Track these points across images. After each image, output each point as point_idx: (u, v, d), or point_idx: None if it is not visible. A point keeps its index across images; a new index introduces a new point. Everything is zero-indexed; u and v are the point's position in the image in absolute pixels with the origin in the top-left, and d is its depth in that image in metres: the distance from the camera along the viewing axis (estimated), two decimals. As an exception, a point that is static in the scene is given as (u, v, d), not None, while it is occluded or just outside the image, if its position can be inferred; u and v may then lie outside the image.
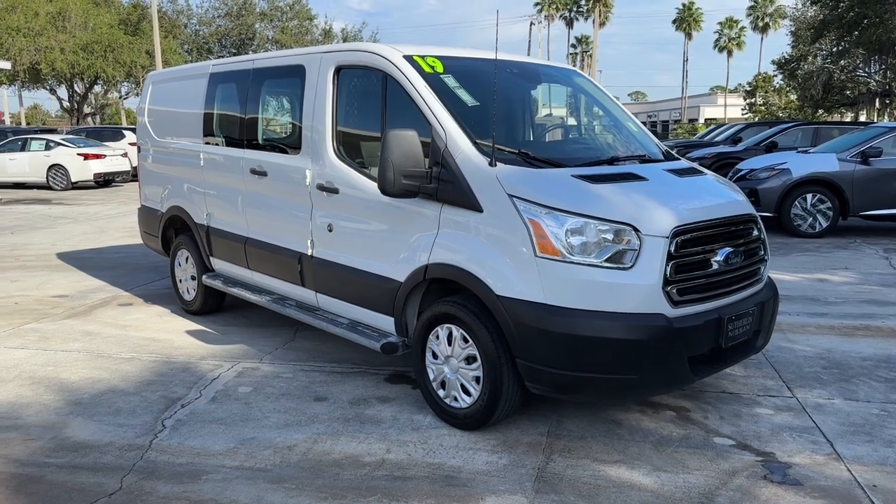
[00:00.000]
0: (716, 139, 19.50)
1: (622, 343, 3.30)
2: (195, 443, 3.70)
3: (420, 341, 3.95)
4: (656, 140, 4.80)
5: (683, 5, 73.16)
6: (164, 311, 6.35)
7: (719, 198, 3.91)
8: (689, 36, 74.57)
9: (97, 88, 39.53)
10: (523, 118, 4.52)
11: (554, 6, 76.95)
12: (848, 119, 35.81)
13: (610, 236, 3.35)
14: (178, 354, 5.13)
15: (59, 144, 19.47)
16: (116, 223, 12.31)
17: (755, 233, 3.94)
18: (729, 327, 3.60)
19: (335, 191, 4.36)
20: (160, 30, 41.75)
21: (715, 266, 3.59)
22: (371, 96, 4.26)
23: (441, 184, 3.72)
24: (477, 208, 3.58)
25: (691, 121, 67.74)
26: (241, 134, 5.26)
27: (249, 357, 5.05)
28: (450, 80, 4.06)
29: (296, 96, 4.71)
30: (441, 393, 3.89)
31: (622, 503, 3.09)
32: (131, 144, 21.91)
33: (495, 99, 3.82)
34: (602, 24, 77.44)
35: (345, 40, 51.12)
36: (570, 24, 79.23)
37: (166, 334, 5.63)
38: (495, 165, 3.58)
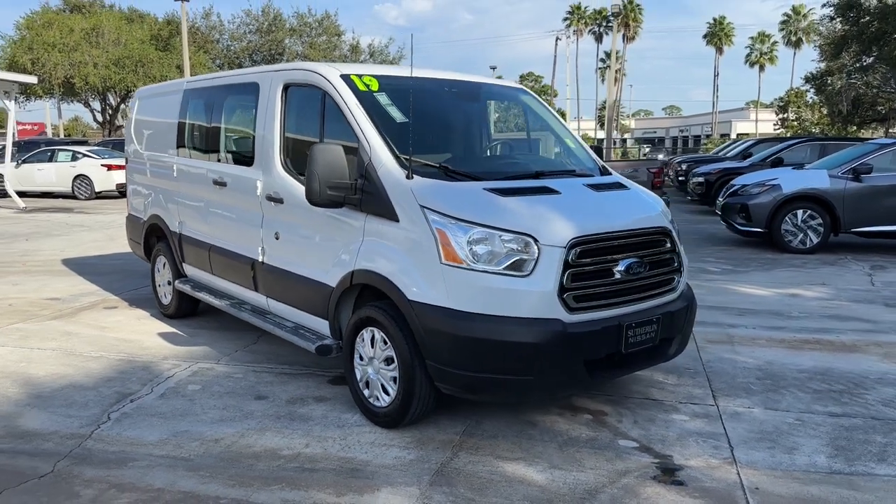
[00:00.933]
0: (727, 154, 19.45)
1: (519, 346, 3.50)
2: (132, 434, 3.98)
3: (349, 344, 4.18)
4: (594, 156, 4.99)
5: (714, 20, 72.78)
6: (144, 315, 6.68)
7: (629, 211, 4.08)
8: (719, 51, 74.03)
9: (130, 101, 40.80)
10: (457, 134, 4.74)
11: (583, 21, 77.20)
12: (879, 135, 35.24)
13: (510, 246, 3.55)
14: (144, 354, 5.43)
15: (85, 156, 20.22)
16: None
17: (667, 245, 4.10)
18: (629, 334, 3.77)
19: (280, 201, 4.63)
20: (193, 45, 42.92)
21: (617, 275, 3.76)
22: (313, 112, 4.53)
23: (364, 195, 3.96)
24: (395, 218, 3.81)
25: (723, 136, 67.14)
26: (207, 147, 5.59)
27: (209, 358, 5.33)
28: (382, 98, 4.31)
29: (251, 112, 5.01)
30: (366, 392, 4.12)
31: (508, 496, 3.27)
32: None
33: (410, 115, 4.06)
34: (631, 39, 77.41)
35: (371, 55, 51.92)
36: (598, 38, 79.27)
37: (138, 335, 5.95)
38: (412, 178, 3.81)
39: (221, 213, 5.39)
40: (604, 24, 77.60)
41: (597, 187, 4.25)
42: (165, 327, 6.21)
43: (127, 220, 7.31)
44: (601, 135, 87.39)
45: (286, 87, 4.69)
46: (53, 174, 20.24)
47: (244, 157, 5.10)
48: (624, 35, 79.16)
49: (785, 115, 60.27)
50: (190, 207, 5.88)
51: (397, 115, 4.29)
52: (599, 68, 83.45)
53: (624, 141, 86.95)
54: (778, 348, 5.62)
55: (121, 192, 20.21)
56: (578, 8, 76.75)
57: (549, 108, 5.21)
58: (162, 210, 6.35)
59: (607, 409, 4.34)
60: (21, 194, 20.04)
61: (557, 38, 59.81)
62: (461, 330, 3.52)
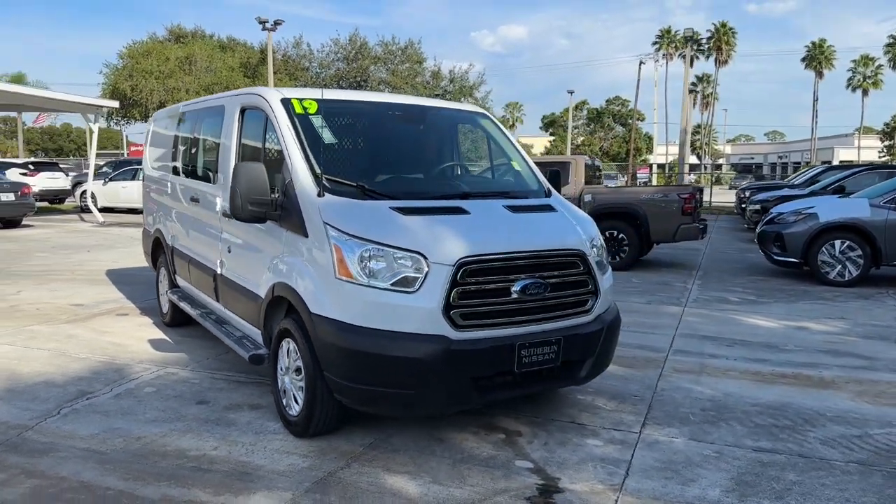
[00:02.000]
0: (795, 181, 18.61)
1: (403, 361, 3.58)
2: (69, 428, 4.30)
3: (274, 354, 4.38)
4: (541, 179, 5.00)
5: (813, 43, 69.75)
6: (147, 322, 7.13)
7: (538, 234, 4.08)
8: (819, 74, 70.73)
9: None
10: (394, 155, 4.88)
11: (673, 45, 75.63)
12: None
13: (400, 263, 3.66)
14: (124, 358, 5.82)
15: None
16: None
17: (580, 268, 4.08)
18: (523, 354, 3.78)
19: (230, 216, 4.91)
20: (284, 72, 44.98)
21: (513, 295, 3.78)
22: (259, 133, 4.79)
23: (283, 211, 4.17)
24: (305, 234, 3.99)
25: (824, 163, 64.05)
26: (190, 166, 5.98)
27: (179, 364, 5.66)
28: (316, 121, 4.52)
29: (217, 133, 5.34)
30: (283, 401, 4.29)
31: (372, 507, 3.35)
32: (21, 174, 23.97)
33: (320, 136, 4.24)
34: (724, 63, 75.30)
35: (451, 82, 52.79)
36: (689, 62, 77.31)
37: (130, 341, 6.37)
38: (323, 196, 3.99)
39: (196, 227, 5.75)
40: (695, 47, 75.74)
41: (516, 209, 4.28)
42: (158, 334, 6.62)
43: (142, 234, 7.84)
44: (692, 159, 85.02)
45: (242, 111, 4.99)
46: (135, 192, 21.66)
47: (210, 175, 5.43)
48: (716, 59, 76.97)
49: (892, 142, 56.75)
50: (177, 222, 6.28)
51: (327, 136, 4.49)
52: (691, 92, 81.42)
53: (718, 166, 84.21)
54: (746, 381, 5.40)
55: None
56: (668, 31, 75.30)
57: (506, 131, 5.28)
58: (161, 225, 6.81)
59: (524, 430, 4.32)
60: (109, 210, 21.57)
61: (641, 62, 58.64)
62: (350, 343, 3.65)
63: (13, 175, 23.69)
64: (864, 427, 4.45)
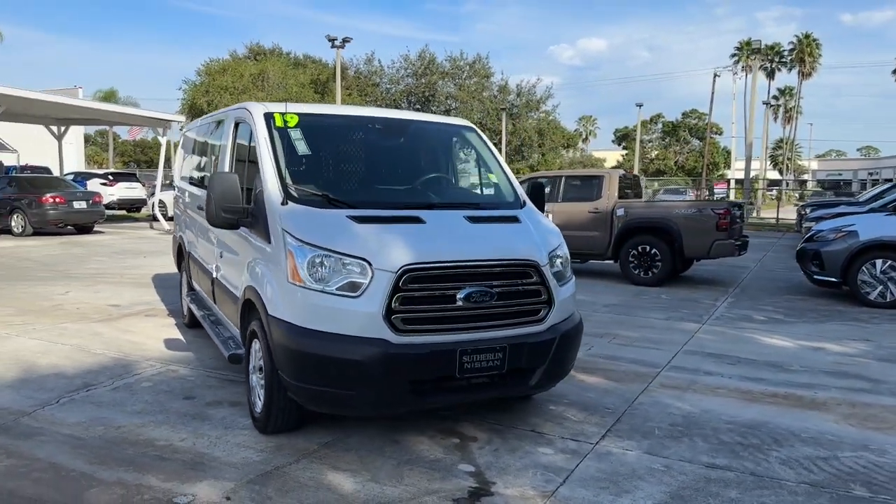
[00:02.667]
0: (861, 198, 17.78)
1: (344, 362, 3.75)
2: (61, 415, 4.66)
3: (247, 353, 4.62)
4: (517, 191, 5.07)
5: (905, 54, 66.20)
6: (170, 323, 7.56)
7: (490, 244, 4.17)
8: (913, 87, 67.04)
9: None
10: (369, 166, 5.06)
11: (753, 57, 73.31)
12: None
13: (346, 268, 3.83)
14: (136, 355, 6.21)
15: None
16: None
17: (533, 278, 4.15)
18: (465, 360, 3.88)
19: None
20: (355, 88, 46.12)
21: (458, 303, 3.89)
22: (247, 144, 5.08)
23: (253, 218, 4.43)
24: (269, 240, 4.23)
25: (886, 180, 60.64)
26: (197, 175, 6.35)
27: (182, 362, 6.00)
28: (294, 133, 4.77)
29: (218, 145, 5.67)
30: (252, 399, 4.52)
31: (303, 499, 3.51)
32: (102, 185, 24.95)
33: (315, 149, 4.47)
34: (807, 75, 72.58)
35: (518, 95, 52.88)
36: (770, 75, 74.75)
37: (147, 339, 6.78)
38: (286, 204, 4.22)
39: (202, 234, 6.10)
40: (776, 59, 73.25)
41: (477, 219, 4.39)
42: (175, 334, 7.02)
43: (172, 241, 8.32)
44: (773, 175, 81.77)
45: (236, 124, 5.29)
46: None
47: (212, 184, 5.77)
48: (799, 71, 74.20)
49: None
50: (190, 229, 6.67)
51: (302, 148, 4.72)
52: (771, 106, 78.60)
53: (803, 182, 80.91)
54: (732, 399, 5.29)
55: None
56: (748, 43, 73.02)
57: (490, 145, 5.39)
58: (182, 232, 7.23)
59: (481, 436, 4.40)
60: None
61: (716, 75, 57.05)
62: (298, 344, 3.84)
63: (94, 185, 25.27)
64: (836, 450, 4.31)
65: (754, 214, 40.32)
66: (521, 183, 5.33)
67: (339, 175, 4.81)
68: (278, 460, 3.98)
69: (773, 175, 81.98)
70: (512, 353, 4.03)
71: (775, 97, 79.35)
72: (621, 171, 12.18)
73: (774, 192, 55.75)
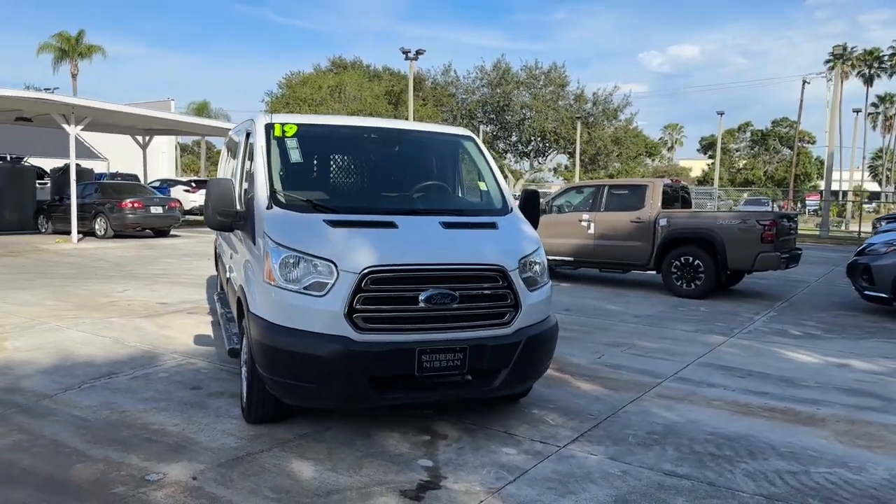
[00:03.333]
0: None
1: (307, 357, 4.00)
2: (77, 399, 5.12)
3: (241, 347, 4.95)
4: (506, 199, 5.19)
5: None
6: (206, 321, 8.04)
7: (458, 249, 4.32)
8: None
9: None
10: (357, 174, 5.31)
11: (849, 63, 69.74)
12: None
13: (312, 268, 4.08)
14: (164, 348, 6.68)
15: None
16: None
17: (499, 282, 4.27)
18: (424, 359, 4.04)
19: None
20: (430, 98, 46.81)
21: (421, 304, 4.07)
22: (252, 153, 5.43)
23: (245, 221, 4.75)
24: (255, 241, 4.54)
25: None
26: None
27: (202, 356, 6.41)
28: (290, 143, 5.07)
29: (236, 153, 6.07)
30: (242, 390, 4.84)
31: (261, 484, 3.76)
32: (185, 192, 25.61)
33: (307, 157, 4.76)
34: (910, 82, 68.46)
35: (594, 104, 52.29)
36: (868, 81, 70.90)
37: (180, 335, 7.26)
38: (271, 209, 4.52)
39: (225, 237, 6.52)
40: (875, 65, 69.43)
41: (452, 225, 4.55)
42: (206, 331, 7.47)
43: (215, 243, 8.86)
44: (871, 186, 77.25)
45: (247, 134, 5.66)
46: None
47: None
48: (901, 77, 70.18)
49: None
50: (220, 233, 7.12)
51: (295, 156, 5.03)
52: (870, 114, 74.50)
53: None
54: (725, 411, 5.22)
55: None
56: (844, 49, 69.60)
57: (486, 154, 5.53)
58: (217, 235, 7.71)
59: (453, 435, 4.55)
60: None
61: (805, 82, 54.66)
62: (269, 340, 4.12)
63: (178, 192, 26.77)
64: (811, 465, 4.22)
65: (843, 227, 38.36)
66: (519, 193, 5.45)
67: (328, 182, 5.10)
68: (253, 447, 4.26)
69: (873, 187, 77.43)
70: (473, 354, 4.17)
71: (874, 104, 75.22)
72: (666, 180, 11.99)
73: (873, 205, 52.81)
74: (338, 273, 4.03)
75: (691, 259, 10.79)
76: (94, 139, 34.62)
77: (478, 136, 51.25)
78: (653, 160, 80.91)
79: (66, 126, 17.37)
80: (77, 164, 18.46)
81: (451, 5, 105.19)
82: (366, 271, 4.01)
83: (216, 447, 4.26)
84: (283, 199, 4.61)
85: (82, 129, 18.00)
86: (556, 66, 51.13)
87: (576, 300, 10.34)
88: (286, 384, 4.13)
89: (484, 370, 4.28)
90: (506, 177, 50.41)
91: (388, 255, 4.11)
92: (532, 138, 52.64)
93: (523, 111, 51.64)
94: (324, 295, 4.02)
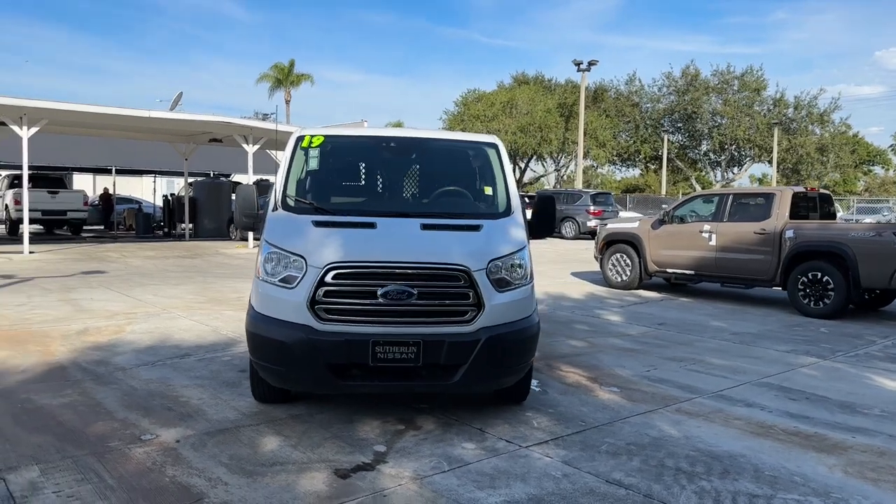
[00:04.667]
0: None
1: (276, 343, 4.44)
2: (142, 373, 5.99)
3: (264, 336, 5.52)
4: (512, 203, 5.26)
5: None
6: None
7: (425, 250, 4.49)
8: None
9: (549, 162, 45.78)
10: (368, 181, 5.66)
11: None
12: None
13: (288, 263, 4.52)
14: (240, 339, 7.50)
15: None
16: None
17: (461, 282, 4.41)
18: (378, 350, 4.30)
19: None
20: (613, 109, 46.05)
21: (379, 299, 4.34)
22: (291, 163, 6.01)
23: (262, 223, 5.32)
24: (261, 240, 5.09)
25: None
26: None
27: (270, 346, 7.13)
28: (312, 152, 5.58)
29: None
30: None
31: (226, 450, 4.24)
32: None
33: (325, 166, 5.24)
34: None
35: (795, 108, 48.09)
36: None
37: (266, 327, 8.09)
38: (276, 210, 5.05)
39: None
40: None
41: (431, 227, 4.75)
42: (291, 325, 8.24)
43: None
44: None
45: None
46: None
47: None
48: None
49: None
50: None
51: (314, 165, 5.52)
52: None
53: None
54: (735, 430, 4.86)
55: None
56: None
57: (503, 160, 5.62)
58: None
59: (427, 427, 4.73)
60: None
61: None
62: (252, 326, 4.62)
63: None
64: (784, 491, 3.87)
65: None
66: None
67: (342, 187, 5.53)
68: (244, 422, 4.79)
69: None
70: (427, 349, 4.35)
71: None
72: (799, 189, 10.98)
73: None
74: (306, 268, 4.43)
75: (819, 275, 9.80)
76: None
77: (664, 145, 49.51)
78: (886, 170, 72.35)
79: (245, 146, 19.70)
80: (264, 179, 20.76)
81: (658, 12, 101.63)
82: (328, 266, 4.37)
83: (216, 419, 4.84)
84: (291, 203, 5.12)
85: (258, 149, 20.24)
86: (752, 68, 47.91)
87: (681, 315, 9.85)
88: (263, 366, 4.61)
89: (442, 365, 4.44)
90: (694, 189, 47.95)
91: (351, 253, 4.44)
92: (725, 147, 49.65)
93: (714, 118, 48.92)
94: (294, 287, 4.44)
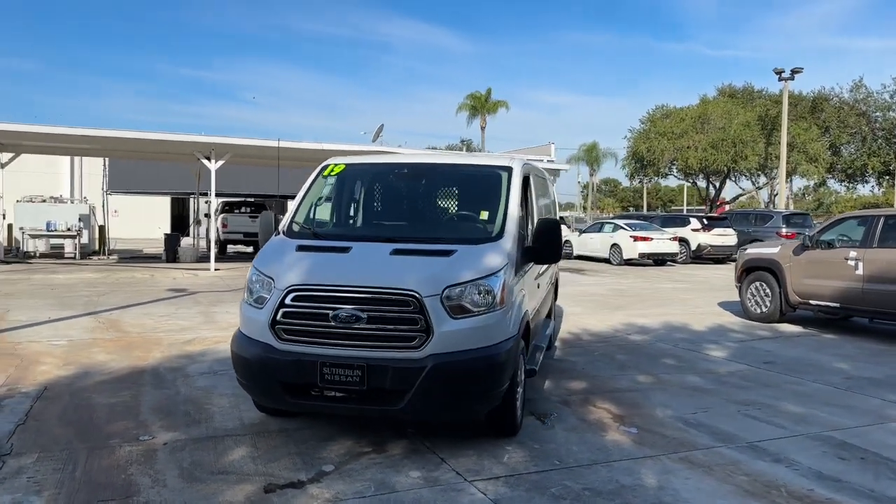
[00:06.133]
0: None
1: (242, 359, 4.76)
2: (200, 381, 6.61)
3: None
4: (505, 228, 5.09)
5: None
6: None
7: (380, 275, 4.53)
8: None
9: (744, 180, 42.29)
10: (369, 206, 5.78)
11: None
12: None
13: (262, 285, 4.81)
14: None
15: (620, 228, 23.48)
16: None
17: (411, 307, 4.40)
18: (325, 372, 4.42)
19: None
20: (833, 120, 41.60)
21: (330, 321, 4.48)
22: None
23: (270, 246, 5.70)
24: (267, 264, 5.46)
25: None
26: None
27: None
28: (330, 180, 5.87)
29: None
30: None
31: (190, 456, 4.62)
32: (693, 230, 24.33)
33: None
34: None
35: None
36: None
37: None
38: (277, 235, 5.40)
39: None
40: None
41: (401, 252, 4.78)
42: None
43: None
44: None
45: (336, 172, 6.62)
46: (598, 242, 24.19)
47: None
48: None
49: None
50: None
51: (326, 191, 5.81)
52: None
53: None
54: (730, 486, 4.28)
55: (649, 260, 22.68)
56: None
57: (512, 185, 5.44)
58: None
59: (394, 452, 4.73)
60: (581, 258, 24.60)
61: None
62: (232, 343, 4.96)
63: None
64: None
65: None
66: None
67: (343, 213, 5.77)
68: (236, 431, 5.15)
69: None
70: (372, 373, 4.38)
71: None
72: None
73: None
74: (273, 289, 4.70)
75: None
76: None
77: (896, 160, 43.22)
78: None
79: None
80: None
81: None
82: (288, 288, 4.60)
83: (215, 427, 5.26)
84: (296, 228, 5.44)
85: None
86: None
87: (803, 353, 8.68)
88: (238, 380, 4.94)
89: (388, 390, 4.44)
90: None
91: (312, 276, 4.63)
92: None
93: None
94: (262, 307, 4.73)
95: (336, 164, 5.98)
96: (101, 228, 24.96)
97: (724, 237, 24.55)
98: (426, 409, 4.50)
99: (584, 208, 66.50)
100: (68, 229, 21.87)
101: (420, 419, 4.89)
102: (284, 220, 5.58)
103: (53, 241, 21.87)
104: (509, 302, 4.77)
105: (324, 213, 5.74)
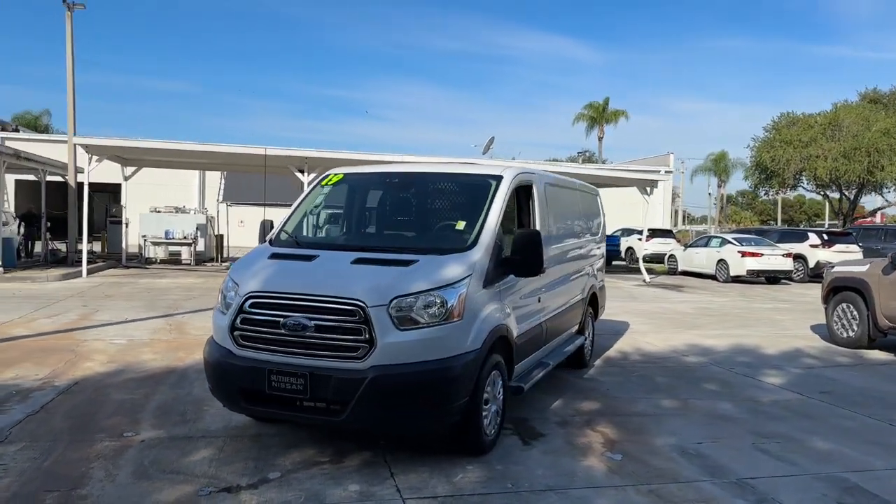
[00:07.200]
0: None
1: (207, 363, 4.90)
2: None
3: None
4: (480, 238, 4.93)
5: None
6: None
7: (331, 283, 4.50)
8: None
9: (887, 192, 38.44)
10: (353, 215, 5.74)
11: None
12: None
13: (230, 292, 4.93)
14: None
15: (728, 242, 22.09)
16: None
17: (355, 317, 4.34)
18: (272, 379, 4.45)
19: None
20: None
21: (280, 329, 4.50)
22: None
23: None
24: (255, 271, 5.59)
25: None
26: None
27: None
28: (325, 189, 5.93)
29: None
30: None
31: (160, 455, 4.78)
32: (812, 246, 22.54)
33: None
34: None
35: None
36: None
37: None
38: (262, 243, 5.53)
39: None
40: None
41: (362, 261, 4.74)
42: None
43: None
44: None
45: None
46: (704, 258, 22.86)
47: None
48: None
49: None
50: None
51: (319, 201, 5.87)
52: None
53: None
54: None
55: (758, 278, 21.23)
56: None
57: (498, 195, 5.24)
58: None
59: (350, 465, 4.66)
60: (687, 273, 23.39)
61: None
62: (204, 347, 5.11)
63: (632, 240, 27.91)
64: None
65: None
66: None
67: (328, 222, 5.80)
68: (216, 433, 5.30)
69: None
70: (314, 381, 4.35)
71: None
72: None
73: None
74: (236, 295, 4.80)
75: None
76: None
77: None
78: None
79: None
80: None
81: None
82: (248, 295, 4.68)
83: (198, 427, 5.44)
84: (282, 237, 5.54)
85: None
86: None
87: (874, 384, 7.76)
88: (207, 383, 5.07)
89: (330, 400, 4.40)
90: None
91: (270, 284, 4.68)
92: None
93: None
94: (226, 313, 4.84)
95: (335, 174, 6.05)
96: (220, 237, 26.61)
97: (847, 254, 22.43)
98: (369, 420, 4.42)
99: (719, 221, 63.12)
100: (185, 237, 23.53)
101: (364, 429, 4.81)
102: (275, 229, 5.69)
103: (171, 248, 23.58)
104: (471, 315, 4.60)
105: (313, 222, 5.81)
